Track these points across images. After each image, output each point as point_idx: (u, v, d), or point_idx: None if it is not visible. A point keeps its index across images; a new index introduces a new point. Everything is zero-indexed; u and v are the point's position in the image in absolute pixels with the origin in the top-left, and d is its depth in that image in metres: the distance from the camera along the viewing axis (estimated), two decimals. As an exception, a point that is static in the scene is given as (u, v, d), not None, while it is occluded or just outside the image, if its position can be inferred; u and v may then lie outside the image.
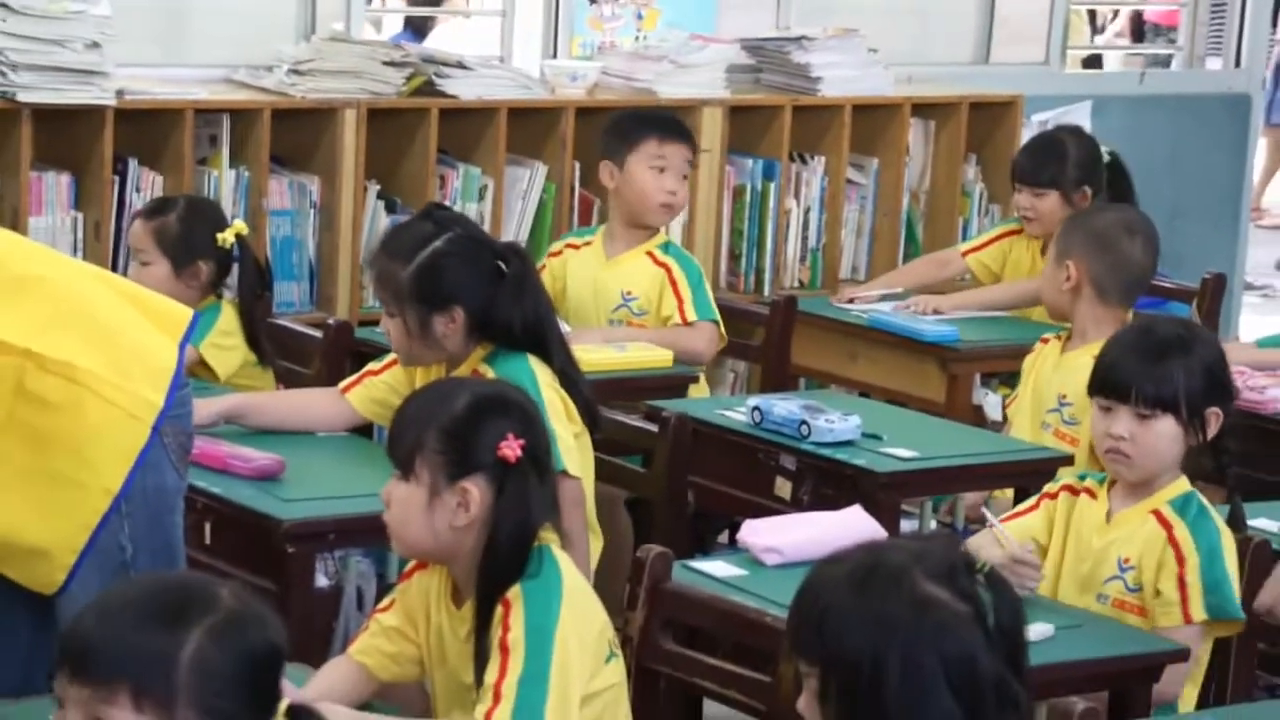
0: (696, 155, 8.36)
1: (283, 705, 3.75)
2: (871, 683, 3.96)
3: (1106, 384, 5.91)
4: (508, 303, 6.53)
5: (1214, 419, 5.81)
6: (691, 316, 8.26)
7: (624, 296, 8.31)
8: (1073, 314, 7.36)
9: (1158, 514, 5.84)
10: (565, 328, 7.30)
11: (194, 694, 3.51)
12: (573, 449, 6.26)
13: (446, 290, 6.45)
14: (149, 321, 5.70)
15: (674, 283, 8.26)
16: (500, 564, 4.86)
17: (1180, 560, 5.73)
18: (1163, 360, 5.85)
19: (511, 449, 4.86)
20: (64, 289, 5.57)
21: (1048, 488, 6.10)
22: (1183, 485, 5.85)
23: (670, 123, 8.36)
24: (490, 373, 6.35)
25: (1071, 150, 8.43)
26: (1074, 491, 6.01)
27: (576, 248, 8.54)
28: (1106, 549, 5.87)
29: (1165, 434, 5.78)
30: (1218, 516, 5.87)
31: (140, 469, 5.41)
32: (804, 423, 6.95)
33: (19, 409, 5.26)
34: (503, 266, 6.55)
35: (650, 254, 8.31)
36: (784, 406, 7.05)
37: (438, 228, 6.68)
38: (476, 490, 4.83)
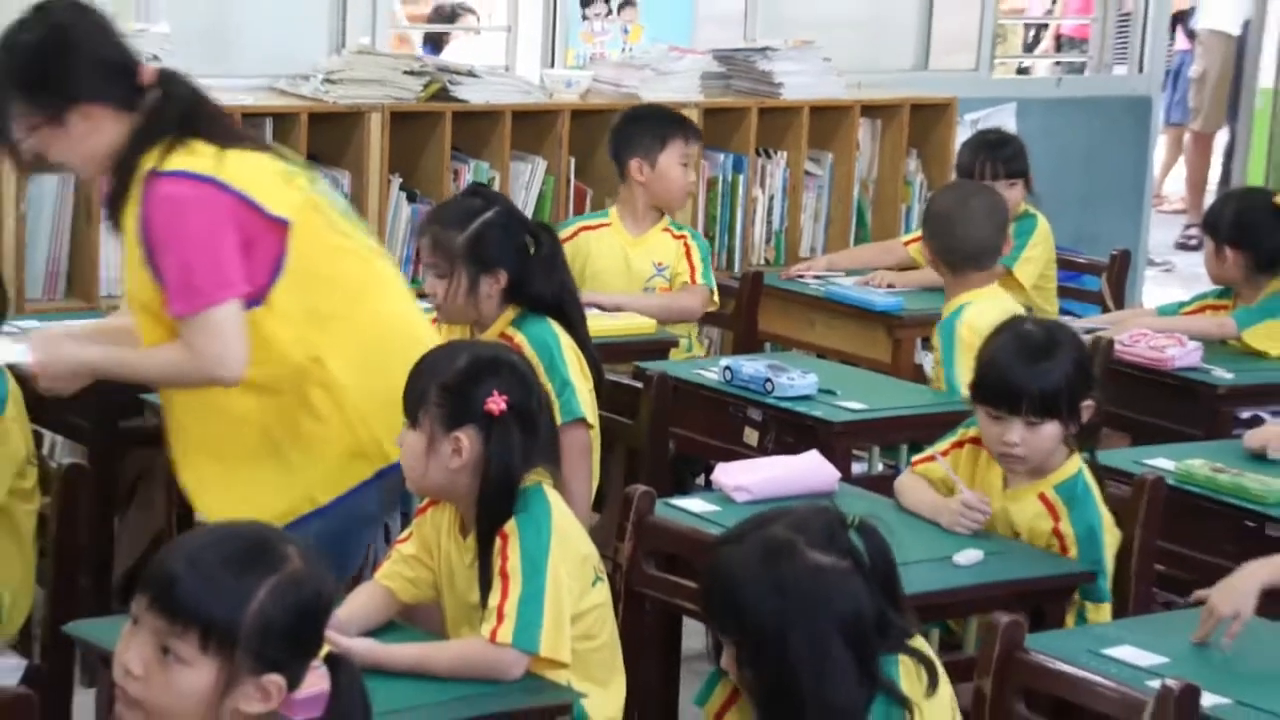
0: None
1: (323, 651, 3.76)
2: (778, 649, 4.10)
3: (996, 395, 5.86)
4: (541, 273, 6.58)
5: (1087, 410, 5.80)
6: (698, 281, 8.43)
7: (656, 267, 8.44)
8: (945, 288, 7.44)
9: (1044, 499, 5.86)
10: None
11: (252, 643, 3.53)
12: (589, 402, 6.31)
13: (494, 255, 6.47)
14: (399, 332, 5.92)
15: (688, 251, 8.44)
16: (492, 502, 4.91)
17: (1064, 550, 5.78)
18: (1044, 370, 5.82)
19: (497, 404, 4.92)
20: (393, 335, 5.83)
21: (960, 435, 6.12)
22: (1071, 467, 5.86)
23: (692, 126, 8.49)
24: (518, 335, 6.42)
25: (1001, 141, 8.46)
26: (978, 445, 6.02)
27: (593, 229, 8.64)
28: (1001, 513, 5.91)
29: (1051, 435, 5.79)
30: (1098, 494, 5.88)
31: (348, 498, 5.70)
32: (768, 380, 7.00)
33: (296, 404, 5.62)
34: (537, 241, 6.60)
35: (668, 230, 8.49)
36: (751, 366, 7.11)
37: (485, 202, 6.74)
38: (467, 439, 4.90)
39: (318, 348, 5.60)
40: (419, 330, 5.98)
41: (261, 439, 5.67)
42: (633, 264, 8.47)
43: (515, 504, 4.91)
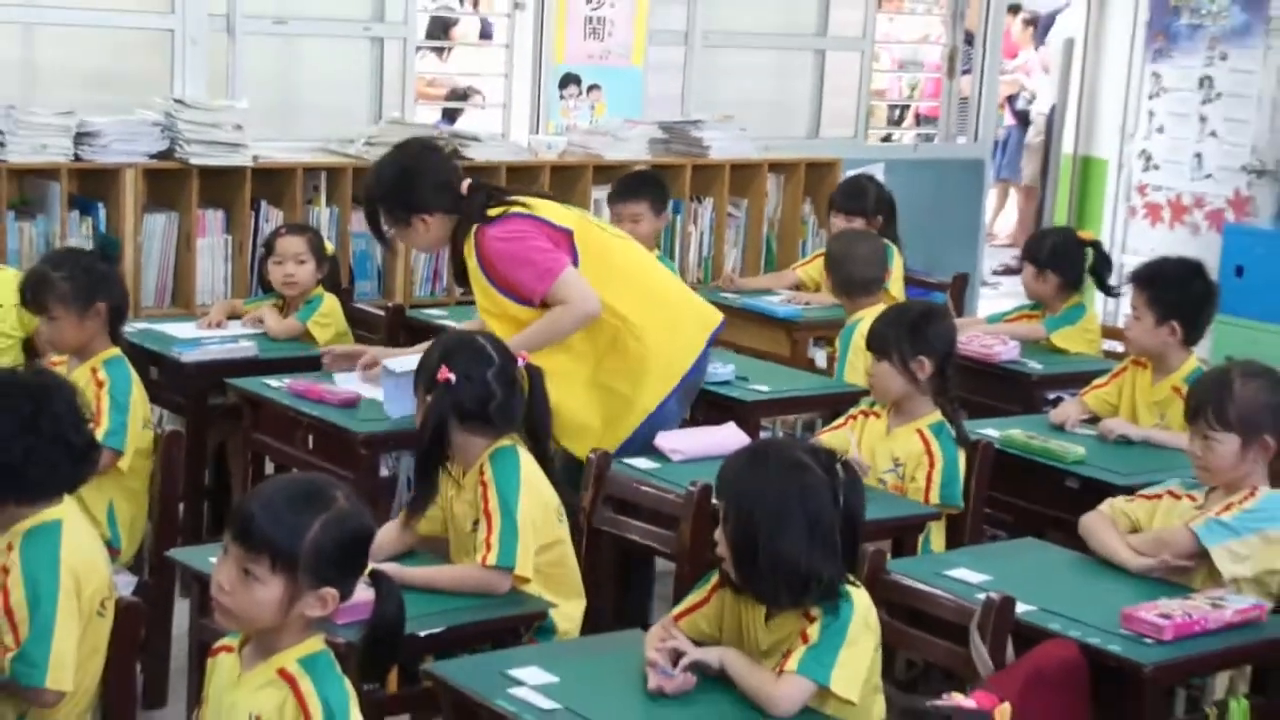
0: None
1: (366, 571, 3.80)
2: (750, 505, 4.12)
3: (870, 344, 5.94)
4: None
5: (920, 366, 5.74)
6: None
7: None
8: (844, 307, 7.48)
9: (920, 433, 5.80)
10: None
11: (310, 565, 3.57)
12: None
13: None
14: (694, 316, 6.56)
15: None
16: (436, 447, 4.95)
17: (931, 464, 5.70)
18: (881, 325, 5.97)
19: (444, 375, 4.89)
20: (657, 285, 6.58)
21: (852, 411, 6.09)
22: (935, 415, 5.79)
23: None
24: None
25: (871, 189, 8.38)
26: (867, 415, 5.98)
27: None
28: (887, 452, 5.83)
29: (886, 372, 5.78)
30: (952, 431, 5.83)
31: (663, 406, 6.25)
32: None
33: (607, 351, 6.21)
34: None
35: None
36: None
37: None
38: (429, 396, 4.93)
39: (610, 300, 6.17)
40: (666, 283, 6.70)
41: (597, 386, 6.25)
42: None
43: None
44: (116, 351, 5.74)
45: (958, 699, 2.78)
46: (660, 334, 6.25)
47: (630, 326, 6.20)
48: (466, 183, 6.33)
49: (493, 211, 6.23)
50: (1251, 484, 5.06)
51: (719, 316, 6.69)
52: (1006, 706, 2.76)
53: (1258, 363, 5.36)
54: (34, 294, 5.79)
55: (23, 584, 4.08)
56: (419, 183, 6.27)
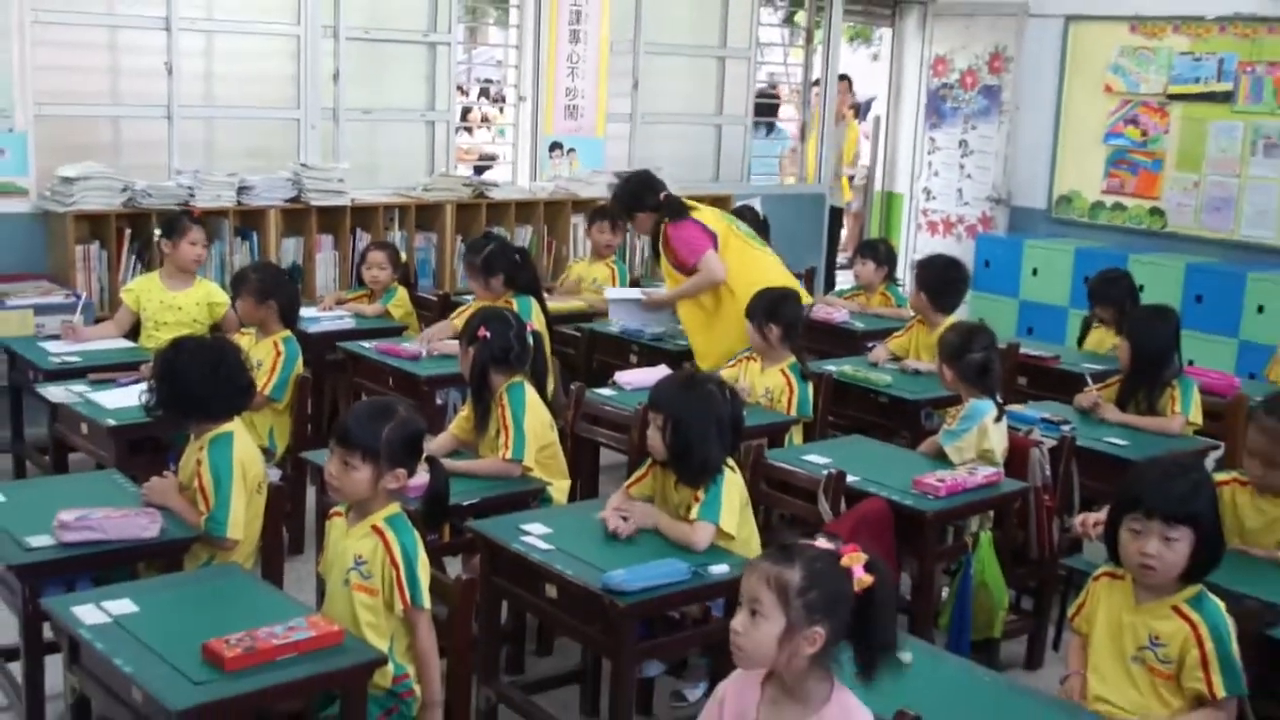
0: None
1: (423, 457, 3.84)
2: (681, 419, 4.12)
3: (745, 312, 5.92)
4: (525, 268, 6.61)
5: (769, 330, 5.76)
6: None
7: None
8: None
9: (783, 371, 5.74)
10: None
11: (385, 454, 3.60)
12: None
13: (495, 267, 6.41)
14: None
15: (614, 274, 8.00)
16: (481, 383, 4.88)
17: (790, 391, 5.69)
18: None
19: (482, 333, 4.85)
20: (762, 273, 6.59)
21: (739, 356, 6.01)
22: (791, 359, 5.77)
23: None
24: (514, 303, 6.22)
25: (754, 214, 8.28)
26: (748, 359, 5.89)
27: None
28: (763, 384, 5.75)
29: (750, 332, 5.85)
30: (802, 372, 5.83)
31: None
32: (640, 331, 6.92)
33: (716, 310, 6.66)
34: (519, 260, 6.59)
35: (611, 265, 8.03)
36: (634, 326, 6.96)
37: (490, 240, 6.77)
38: (472, 350, 4.87)
39: (729, 278, 6.60)
40: (774, 273, 6.69)
41: (714, 324, 6.64)
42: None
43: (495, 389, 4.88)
44: (288, 333, 5.82)
45: (820, 542, 2.76)
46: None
47: (734, 297, 6.43)
48: (663, 194, 6.86)
49: (674, 215, 6.79)
50: (962, 395, 5.20)
51: (809, 297, 6.94)
52: (861, 554, 2.73)
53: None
54: (235, 282, 6.03)
55: (209, 471, 4.14)
56: (647, 190, 6.88)
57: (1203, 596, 3.36)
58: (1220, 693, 3.23)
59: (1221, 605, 3.35)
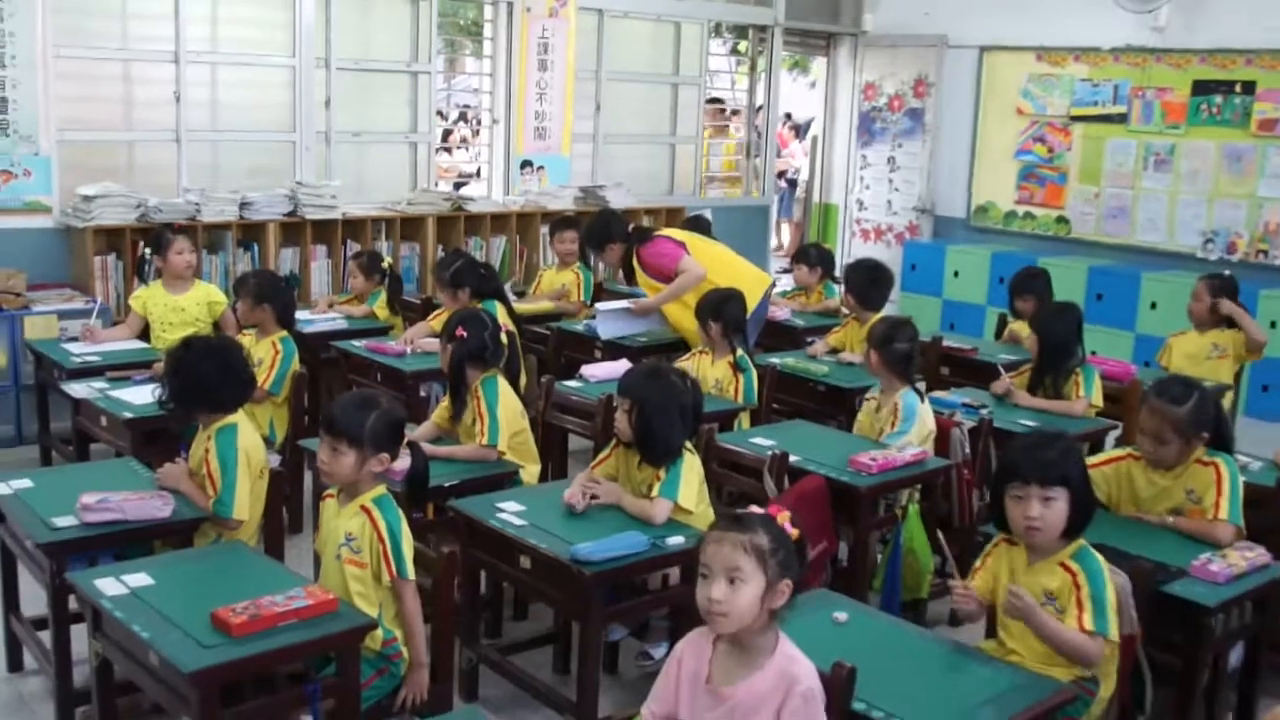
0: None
1: (405, 442, 3.83)
2: (646, 406, 4.10)
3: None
4: (490, 280, 6.47)
5: (710, 327, 5.78)
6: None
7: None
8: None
9: (730, 363, 5.72)
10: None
11: (369, 440, 3.58)
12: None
13: (462, 281, 6.28)
14: (754, 280, 6.84)
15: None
16: (458, 377, 4.84)
17: (738, 381, 5.68)
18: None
19: (459, 333, 4.81)
20: (731, 266, 6.89)
21: (693, 352, 5.97)
22: (738, 352, 5.72)
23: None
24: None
25: (705, 223, 8.31)
26: (701, 354, 5.85)
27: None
28: (712, 376, 5.73)
29: (696, 330, 5.91)
30: (747, 364, 5.80)
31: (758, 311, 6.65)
32: (631, 336, 6.84)
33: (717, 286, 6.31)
34: (484, 274, 6.47)
35: (576, 271, 7.86)
36: (600, 328, 6.83)
37: (458, 257, 6.56)
38: (450, 347, 4.83)
39: (708, 274, 6.65)
40: (736, 263, 7.00)
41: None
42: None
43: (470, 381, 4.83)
44: (285, 333, 5.77)
45: (753, 508, 2.79)
46: (730, 284, 6.38)
47: (715, 286, 6.33)
48: (631, 227, 7.22)
49: (642, 239, 7.01)
50: (895, 392, 5.17)
51: (770, 279, 7.21)
52: (786, 513, 2.77)
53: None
54: (236, 287, 6.05)
55: (216, 458, 4.12)
56: (616, 226, 7.15)
57: (1084, 550, 3.38)
58: (1089, 627, 3.23)
59: (1100, 559, 3.37)
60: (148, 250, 6.66)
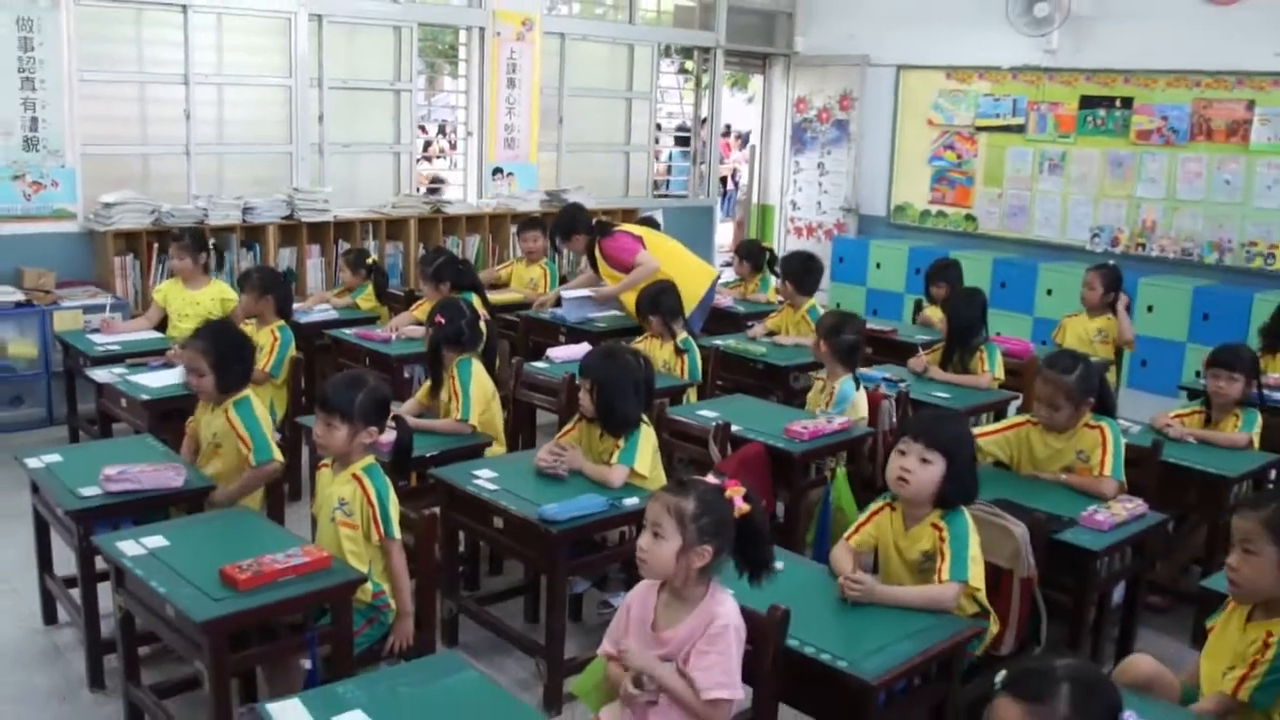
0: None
1: (390, 417, 3.78)
2: (604, 383, 4.06)
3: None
4: (467, 274, 6.39)
5: (653, 317, 5.74)
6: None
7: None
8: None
9: (675, 346, 5.69)
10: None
11: (359, 415, 3.55)
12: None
13: (443, 275, 6.23)
14: (702, 271, 7.00)
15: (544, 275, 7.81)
16: (436, 359, 4.83)
17: (683, 362, 5.67)
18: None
19: (438, 319, 4.80)
20: (681, 258, 6.95)
21: (642, 337, 5.90)
22: (683, 335, 5.69)
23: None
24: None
25: (656, 222, 8.30)
26: (650, 338, 5.80)
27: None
28: (662, 357, 5.69)
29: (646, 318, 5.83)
30: (691, 345, 5.79)
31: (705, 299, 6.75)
32: (591, 320, 6.81)
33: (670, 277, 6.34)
34: (462, 269, 6.40)
35: (543, 267, 7.83)
36: (587, 317, 6.83)
37: (440, 254, 6.52)
38: (431, 330, 4.85)
39: (661, 264, 6.70)
40: (686, 256, 7.05)
41: None
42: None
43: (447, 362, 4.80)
44: (283, 322, 5.70)
45: (709, 478, 2.79)
46: (684, 281, 6.40)
47: (668, 277, 6.35)
48: (595, 220, 7.20)
49: (604, 232, 7.00)
50: (837, 378, 5.14)
51: (716, 272, 7.33)
52: (741, 489, 2.76)
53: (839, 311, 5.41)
54: (241, 280, 5.94)
55: (243, 424, 4.17)
56: (580, 221, 7.12)
57: (955, 512, 3.31)
58: (946, 577, 3.19)
59: (968, 518, 3.31)
60: (211, 247, 6.55)
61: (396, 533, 3.52)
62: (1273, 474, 4.77)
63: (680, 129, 11.41)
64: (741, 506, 2.72)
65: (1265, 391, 5.23)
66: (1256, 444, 4.82)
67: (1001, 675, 2.09)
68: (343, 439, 3.58)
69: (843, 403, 5.02)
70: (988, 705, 2.08)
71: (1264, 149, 8.35)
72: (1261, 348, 6.07)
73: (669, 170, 11.11)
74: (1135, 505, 3.97)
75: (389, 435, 3.88)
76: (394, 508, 3.55)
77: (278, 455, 4.18)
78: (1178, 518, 4.75)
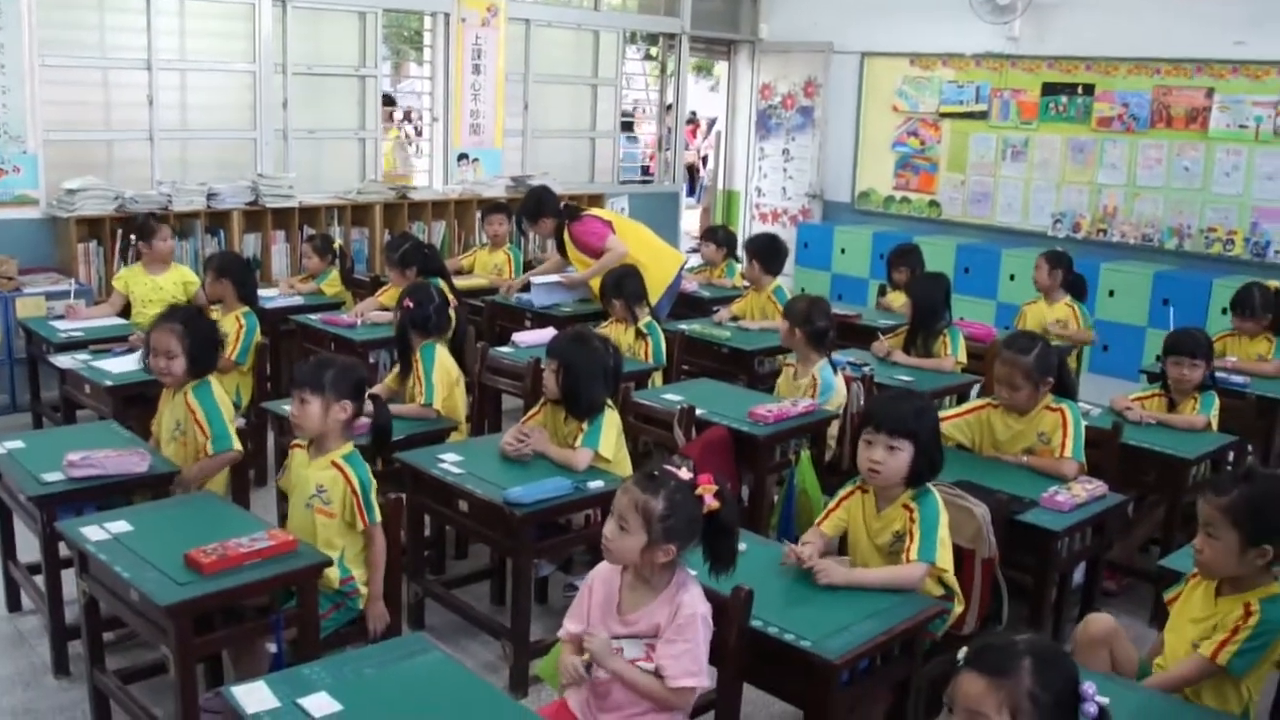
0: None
1: (367, 395, 3.76)
2: (571, 366, 4.06)
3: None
4: (433, 259, 6.38)
5: (615, 307, 5.76)
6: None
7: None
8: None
9: (638, 330, 5.70)
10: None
11: (331, 390, 3.55)
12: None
13: (409, 261, 6.20)
14: (670, 257, 7.06)
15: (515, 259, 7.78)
16: (403, 343, 4.84)
17: (647, 346, 5.67)
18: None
19: (406, 304, 4.81)
20: (650, 244, 6.98)
21: (608, 321, 5.91)
22: (647, 319, 5.70)
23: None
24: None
25: (625, 208, 8.33)
26: (615, 323, 5.80)
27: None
28: (627, 341, 5.71)
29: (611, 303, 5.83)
30: (656, 329, 5.79)
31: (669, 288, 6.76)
32: (559, 304, 6.82)
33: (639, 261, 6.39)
34: (428, 254, 6.37)
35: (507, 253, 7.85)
36: (556, 300, 6.82)
37: (406, 239, 6.48)
38: (399, 316, 4.85)
39: (630, 249, 6.69)
40: (654, 242, 7.08)
41: None
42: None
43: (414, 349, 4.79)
44: (247, 308, 5.64)
45: (682, 472, 2.78)
46: (652, 267, 6.51)
47: (637, 261, 6.40)
48: (564, 204, 7.15)
49: (573, 216, 6.97)
50: (812, 364, 5.13)
51: (683, 257, 7.37)
52: (713, 486, 2.75)
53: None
54: (205, 266, 5.95)
55: (201, 409, 4.11)
56: (547, 204, 7.04)
57: (924, 492, 3.34)
58: (913, 558, 3.21)
59: (939, 499, 3.34)
60: (134, 236, 6.55)
61: (379, 518, 3.53)
62: (1231, 455, 4.83)
63: (625, 114, 11.41)
64: (711, 504, 2.72)
65: (1219, 374, 5.29)
66: (1215, 426, 4.88)
67: (964, 651, 2.11)
68: (316, 414, 3.56)
69: (827, 391, 5.03)
70: (950, 682, 2.10)
71: (1223, 136, 8.43)
72: (1235, 325, 6.17)
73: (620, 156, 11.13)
74: (1095, 486, 4.01)
75: (366, 421, 3.87)
76: (375, 494, 3.55)
77: (236, 445, 4.12)
78: (1137, 498, 4.79)
